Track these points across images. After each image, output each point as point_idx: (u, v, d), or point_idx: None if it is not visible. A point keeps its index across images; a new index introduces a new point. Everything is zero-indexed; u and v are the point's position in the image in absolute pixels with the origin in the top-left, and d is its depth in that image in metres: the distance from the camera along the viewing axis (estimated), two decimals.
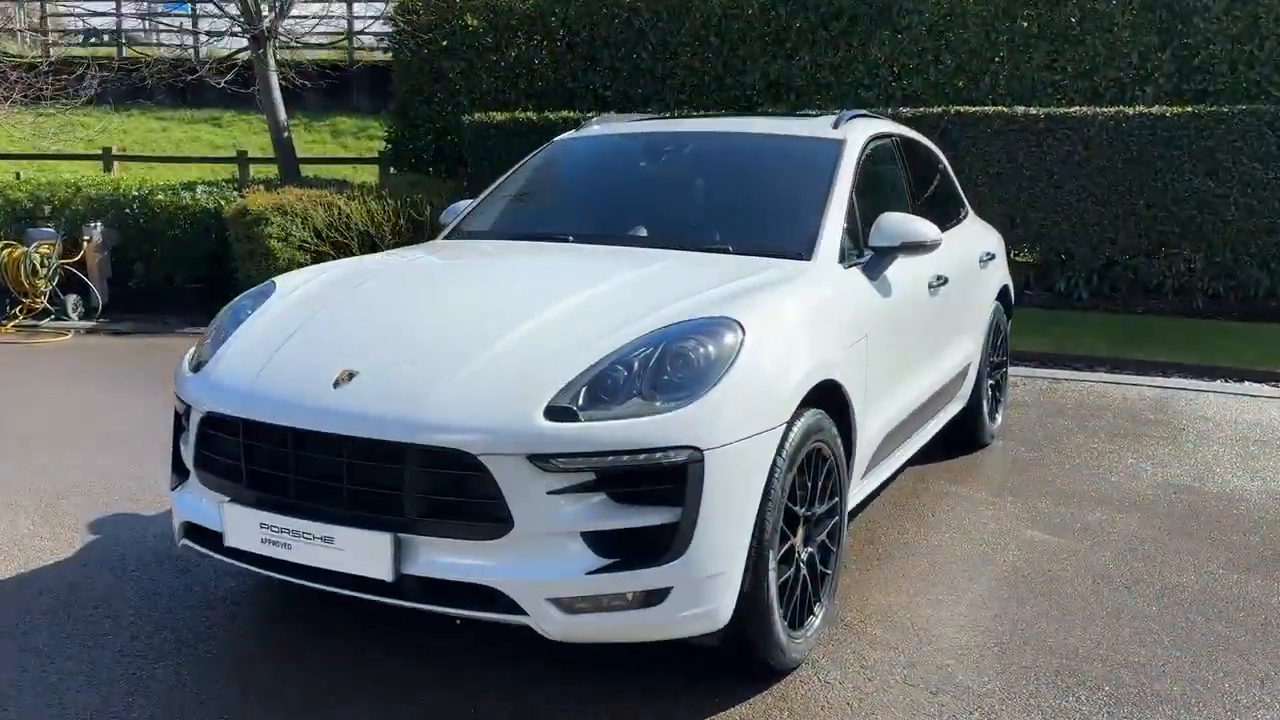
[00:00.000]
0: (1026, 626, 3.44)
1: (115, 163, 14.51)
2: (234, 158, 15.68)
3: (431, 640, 3.22)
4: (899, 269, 3.91)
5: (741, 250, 3.68)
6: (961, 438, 5.37)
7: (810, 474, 3.10)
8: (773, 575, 2.85)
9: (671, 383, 2.69)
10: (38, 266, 9.67)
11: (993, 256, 5.49)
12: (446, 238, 4.33)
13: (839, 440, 3.26)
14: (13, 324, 9.48)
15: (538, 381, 2.66)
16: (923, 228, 3.81)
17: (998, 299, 5.55)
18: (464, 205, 4.54)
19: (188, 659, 3.12)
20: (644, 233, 3.98)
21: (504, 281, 3.52)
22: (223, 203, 10.12)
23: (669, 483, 2.61)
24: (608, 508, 2.59)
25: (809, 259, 3.59)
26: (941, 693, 3.02)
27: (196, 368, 3.13)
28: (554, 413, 2.59)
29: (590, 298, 3.10)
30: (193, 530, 3.02)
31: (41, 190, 10.60)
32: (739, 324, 2.86)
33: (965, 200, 5.72)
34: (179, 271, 10.26)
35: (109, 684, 2.97)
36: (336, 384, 2.76)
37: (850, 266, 3.70)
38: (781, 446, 2.86)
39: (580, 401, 2.62)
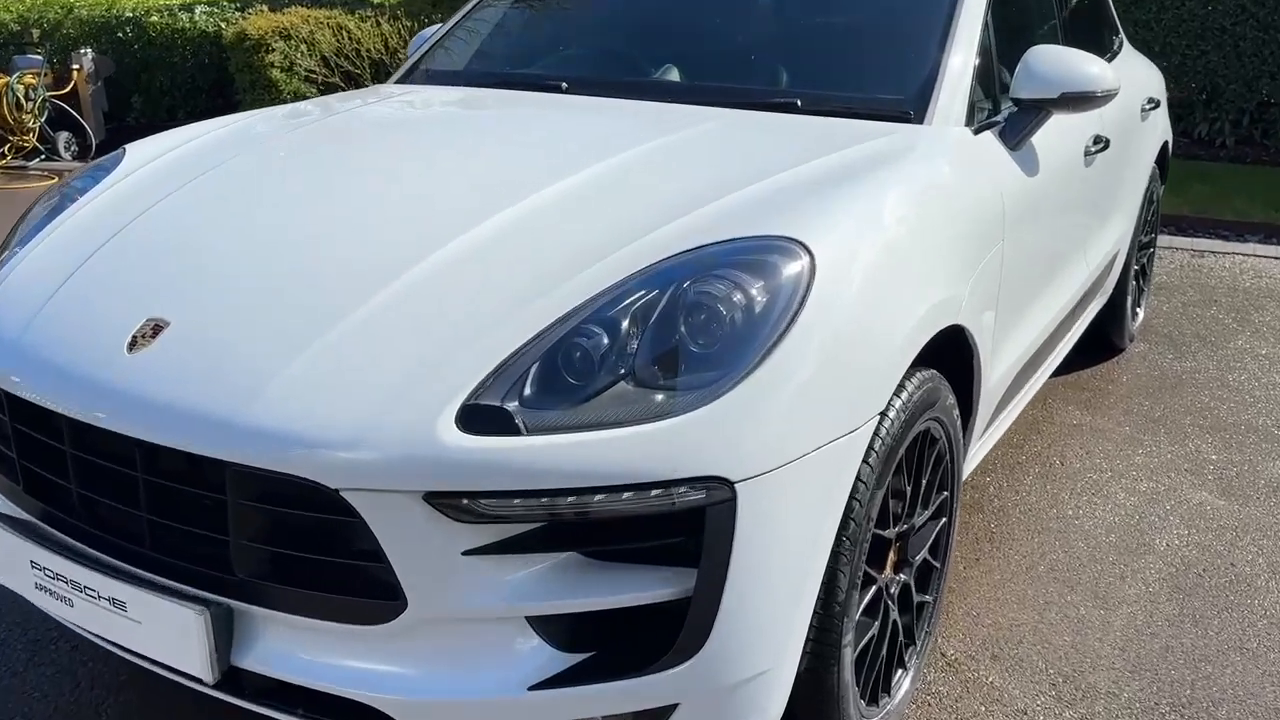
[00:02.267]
0: (1214, 668, 2.35)
1: None
2: None
3: None
4: (1050, 132, 2.63)
5: (816, 107, 2.43)
6: (1094, 340, 4.14)
7: (913, 470, 1.99)
8: (847, 653, 1.78)
9: (687, 357, 1.56)
10: (22, 100, 8.62)
11: (1156, 104, 4.11)
12: (400, 80, 3.10)
13: (956, 410, 2.12)
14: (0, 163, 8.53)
15: (449, 358, 1.55)
16: (1092, 68, 2.51)
17: (1156, 161, 4.19)
18: (432, 32, 3.30)
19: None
20: (674, 76, 2.73)
21: (437, 169, 2.28)
22: (224, 25, 8.88)
23: (675, 534, 1.52)
24: (570, 576, 1.52)
25: (922, 120, 2.35)
26: None
27: None
28: (473, 417, 1.48)
29: (563, 197, 1.92)
30: None
31: (30, 13, 9.45)
32: (803, 246, 1.69)
33: (1119, 26, 4.28)
34: (181, 105, 9.16)
35: None
36: (133, 344, 1.67)
37: (982, 130, 2.45)
38: (871, 450, 1.73)
39: (525, 395, 1.51)
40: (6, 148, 8.65)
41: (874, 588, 1.93)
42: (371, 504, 1.45)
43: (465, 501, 1.45)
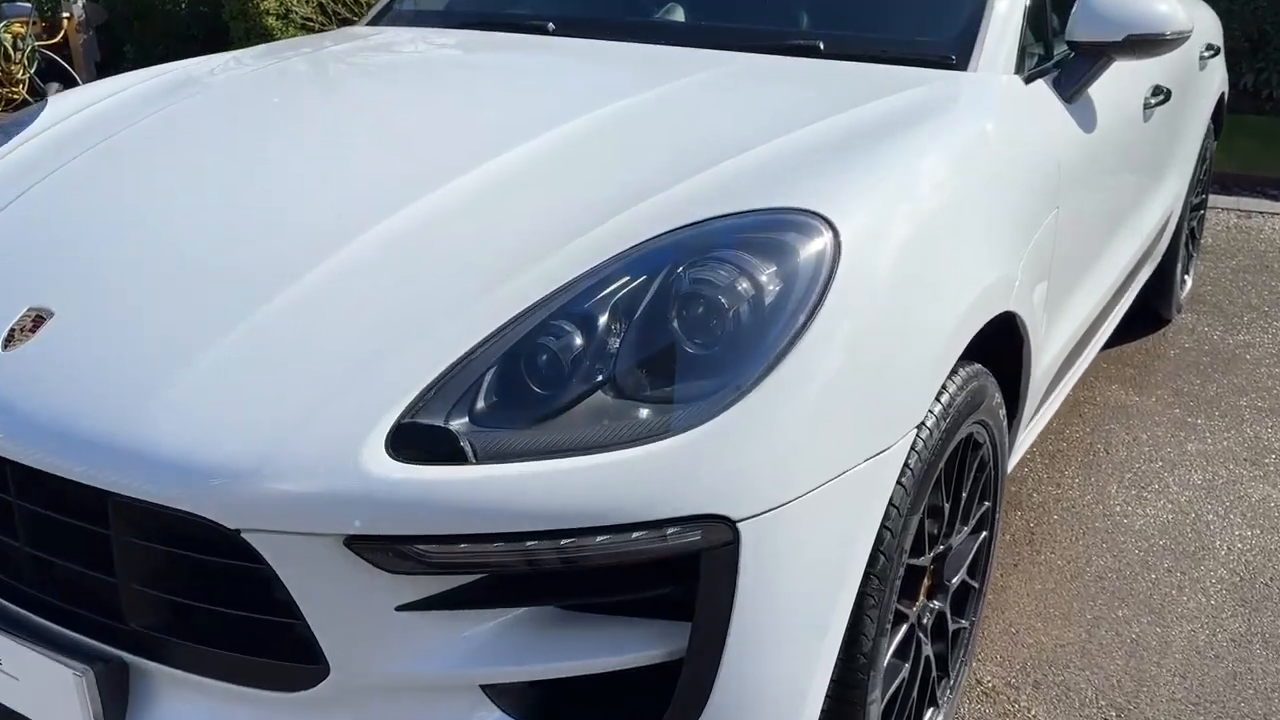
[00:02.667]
0: None
1: None
2: None
3: None
4: (1109, 81, 2.28)
5: (843, 51, 2.09)
6: (1139, 310, 3.79)
7: (953, 483, 1.68)
8: (874, 710, 1.49)
9: (677, 362, 1.25)
10: (10, 50, 8.28)
11: (1215, 51, 3.74)
12: (372, 22, 2.76)
13: (1003, 408, 1.81)
14: None
15: (377, 366, 1.24)
16: (1161, 6, 2.16)
17: (1212, 115, 3.82)
18: None
19: None
20: (679, 15, 2.39)
21: (386, 128, 1.92)
22: None
23: (664, 584, 1.23)
24: (532, 635, 1.23)
25: (965, 66, 2.01)
26: None
27: None
28: (409, 439, 1.18)
29: (527, 162, 1.59)
30: None
31: None
32: (826, 222, 1.37)
33: None
34: (174, 54, 8.77)
35: None
36: (10, 338, 1.38)
37: (1034, 79, 2.10)
38: (906, 468, 1.42)
39: (474, 411, 1.21)
40: None
41: (905, 625, 1.63)
42: (280, 549, 1.16)
43: (398, 547, 1.15)
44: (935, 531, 1.67)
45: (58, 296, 1.41)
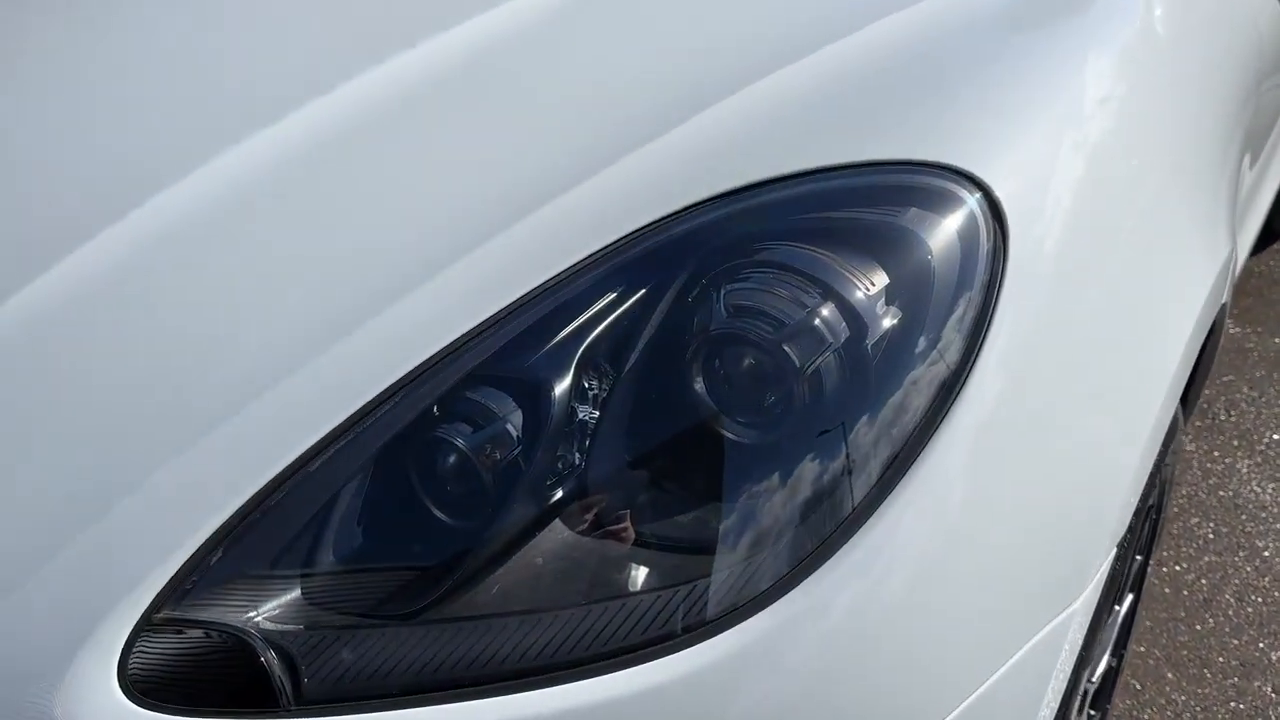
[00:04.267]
0: None
1: None
2: None
3: None
4: None
5: None
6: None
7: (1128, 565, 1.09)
8: None
9: (708, 455, 0.65)
10: None
11: None
12: None
13: (1182, 430, 1.20)
14: None
15: (110, 514, 0.63)
16: None
17: None
18: None
19: None
20: None
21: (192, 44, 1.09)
22: None
23: None
24: None
25: None
26: None
27: None
28: (153, 661, 0.59)
29: (428, 73, 0.89)
30: None
31: None
32: (976, 184, 0.74)
33: None
34: None
35: None
36: None
37: None
38: (1099, 613, 0.82)
39: (284, 601, 0.61)
40: None
41: None
42: None
43: None
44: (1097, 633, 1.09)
45: None
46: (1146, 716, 1.62)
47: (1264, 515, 2.08)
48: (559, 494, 0.66)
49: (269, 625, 0.60)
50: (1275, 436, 2.33)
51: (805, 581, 0.62)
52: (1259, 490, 2.15)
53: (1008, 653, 0.70)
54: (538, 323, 0.67)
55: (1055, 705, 0.85)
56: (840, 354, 0.67)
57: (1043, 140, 0.83)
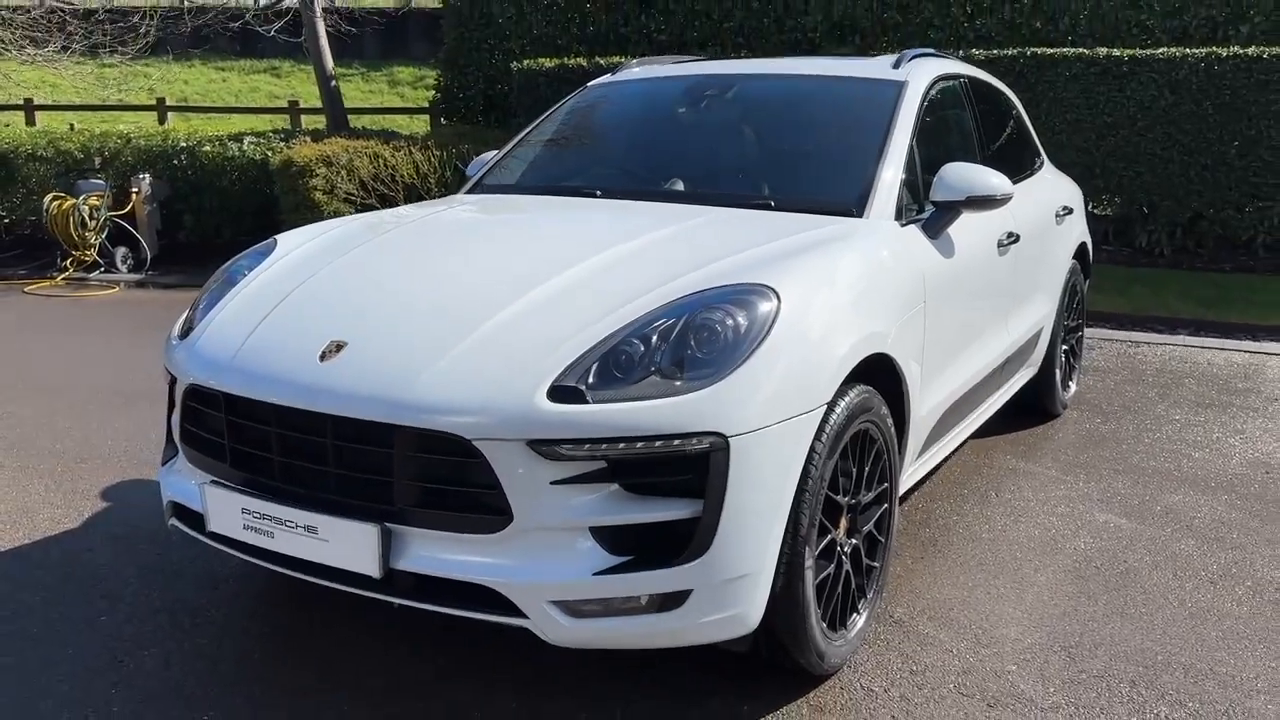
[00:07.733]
0: (1098, 626, 3.08)
1: (170, 113, 14.48)
2: (286, 108, 15.56)
3: (441, 631, 2.97)
4: (964, 226, 3.51)
5: (786, 205, 3.32)
6: (1031, 407, 4.96)
7: (855, 459, 2.77)
8: (809, 574, 2.53)
9: (695, 359, 2.36)
10: (87, 219, 9.60)
11: (1070, 211, 5.03)
12: (469, 191, 4.02)
13: (890, 420, 2.91)
14: (62, 276, 9.45)
15: (542, 357, 2.36)
16: (991, 179, 3.40)
17: (1075, 257, 5.08)
18: (490, 157, 4.23)
19: (179, 647, 2.92)
20: (680, 186, 3.63)
21: (517, 243, 3.22)
22: (269, 154, 9.94)
23: (689, 473, 2.30)
24: (619, 500, 2.29)
25: (861, 215, 3.22)
26: (1000, 705, 2.69)
27: (185, 334, 2.89)
28: (559, 393, 2.28)
29: (608, 261, 2.77)
30: (180, 510, 2.79)
31: (92, 142, 10.52)
32: (774, 291, 2.52)
33: (1040, 149, 5.24)
34: (227, 224, 10.12)
35: (92, 675, 2.78)
36: (323, 357, 2.48)
37: (908, 224, 3.31)
38: (821, 430, 2.52)
39: (590, 380, 2.31)
40: (69, 261, 9.60)
41: (829, 537, 2.69)
42: (492, 450, 2.24)
43: (553, 447, 2.24)
44: (847, 486, 2.75)
45: (349, 332, 2.53)
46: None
47: (995, 532, 3.74)
48: (652, 368, 2.38)
49: (581, 385, 2.32)
50: (1010, 508, 4.00)
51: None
52: (999, 526, 3.81)
53: (786, 415, 2.38)
54: (650, 320, 2.44)
55: (822, 478, 2.50)
56: (732, 331, 2.40)
57: (806, 283, 2.62)
